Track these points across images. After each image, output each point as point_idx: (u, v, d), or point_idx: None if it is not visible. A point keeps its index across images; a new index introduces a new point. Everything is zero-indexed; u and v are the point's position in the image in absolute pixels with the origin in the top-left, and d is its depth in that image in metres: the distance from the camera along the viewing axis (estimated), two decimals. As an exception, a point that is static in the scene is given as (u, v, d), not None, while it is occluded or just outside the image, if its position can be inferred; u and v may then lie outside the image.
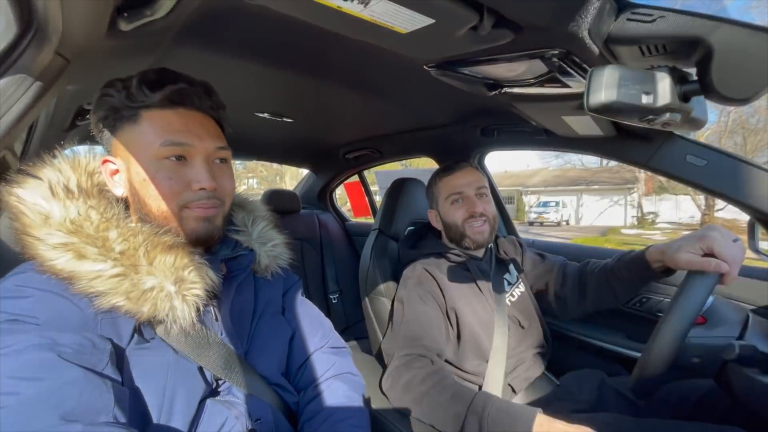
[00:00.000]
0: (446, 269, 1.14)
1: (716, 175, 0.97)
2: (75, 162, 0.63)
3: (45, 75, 0.53)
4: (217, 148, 0.64)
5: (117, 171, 0.63)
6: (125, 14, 0.55)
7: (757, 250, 1.09)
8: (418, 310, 1.05)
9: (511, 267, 1.26)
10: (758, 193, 0.92)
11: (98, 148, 0.69)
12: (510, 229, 1.78)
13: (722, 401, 0.92)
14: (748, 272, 1.13)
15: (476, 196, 1.14)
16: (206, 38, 0.79)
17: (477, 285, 1.13)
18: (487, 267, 1.19)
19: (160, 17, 0.56)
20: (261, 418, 0.64)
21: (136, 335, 0.56)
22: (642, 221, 16.46)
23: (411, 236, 1.32)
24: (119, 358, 0.54)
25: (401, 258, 1.27)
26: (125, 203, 0.65)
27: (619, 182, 16.78)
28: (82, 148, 0.73)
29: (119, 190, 0.63)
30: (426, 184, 1.32)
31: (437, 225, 1.23)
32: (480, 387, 1.04)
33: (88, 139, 1.38)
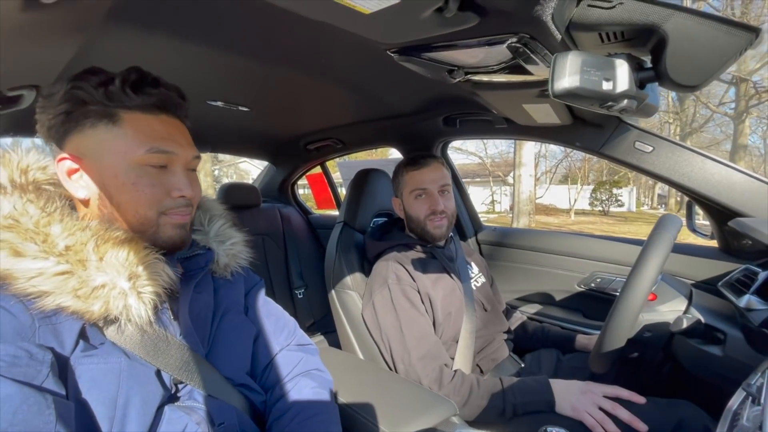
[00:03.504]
0: (415, 259, 1.17)
1: (661, 160, 1.04)
2: (4, 158, 0.57)
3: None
4: (194, 157, 0.65)
5: (77, 170, 0.58)
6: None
7: (694, 229, 1.18)
8: (410, 311, 1.07)
9: (472, 263, 1.35)
10: (697, 177, 1.00)
11: (39, 142, 0.62)
12: (475, 222, 1.81)
13: (672, 372, 0.99)
14: (687, 250, 1.22)
15: (439, 193, 1.17)
16: (147, 17, 0.71)
17: (445, 270, 1.18)
18: (452, 254, 1.25)
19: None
20: (224, 422, 0.60)
21: (81, 341, 0.51)
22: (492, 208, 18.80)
23: (377, 230, 1.33)
24: (62, 369, 0.48)
25: (368, 251, 1.27)
26: (70, 201, 0.60)
27: (494, 176, 17.85)
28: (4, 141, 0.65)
29: (81, 192, 0.58)
30: (389, 174, 1.31)
31: (400, 213, 1.26)
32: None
33: (11, 130, 1.23)
